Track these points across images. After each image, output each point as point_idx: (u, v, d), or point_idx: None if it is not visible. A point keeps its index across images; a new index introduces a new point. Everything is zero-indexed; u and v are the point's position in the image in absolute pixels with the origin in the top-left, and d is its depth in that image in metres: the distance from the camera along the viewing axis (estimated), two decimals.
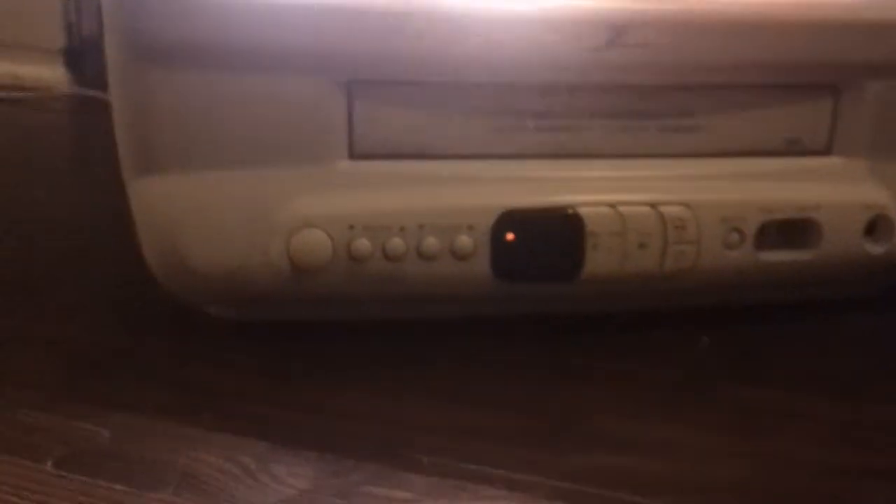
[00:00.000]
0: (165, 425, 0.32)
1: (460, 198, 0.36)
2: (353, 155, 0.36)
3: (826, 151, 0.39)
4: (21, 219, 0.50)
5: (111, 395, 0.34)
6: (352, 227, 0.35)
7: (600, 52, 0.34)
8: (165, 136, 0.34)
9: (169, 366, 0.37)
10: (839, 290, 0.42)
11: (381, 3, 0.33)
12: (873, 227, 0.39)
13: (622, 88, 0.37)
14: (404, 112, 0.36)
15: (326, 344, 0.38)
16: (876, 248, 0.39)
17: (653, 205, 0.37)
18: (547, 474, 0.31)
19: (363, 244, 0.35)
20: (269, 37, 0.33)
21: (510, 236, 0.36)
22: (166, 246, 0.35)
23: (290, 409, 0.34)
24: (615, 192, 0.37)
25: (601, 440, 0.33)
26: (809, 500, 0.31)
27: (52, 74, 0.75)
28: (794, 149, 0.39)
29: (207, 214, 0.35)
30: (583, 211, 0.36)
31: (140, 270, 0.37)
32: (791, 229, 0.38)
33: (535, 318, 0.40)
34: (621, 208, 0.36)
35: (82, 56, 0.75)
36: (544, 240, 0.36)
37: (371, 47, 0.34)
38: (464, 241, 0.36)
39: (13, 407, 0.33)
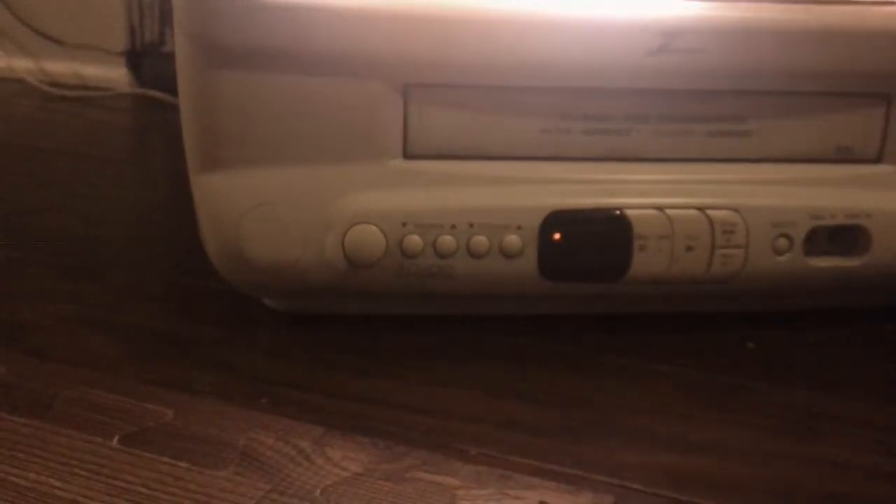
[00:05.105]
0: (225, 408, 0.34)
1: (510, 198, 0.37)
2: (408, 154, 0.37)
3: (877, 160, 0.39)
4: (85, 208, 0.52)
5: (174, 378, 0.36)
6: (404, 223, 0.36)
7: (652, 57, 0.35)
8: (230, 134, 0.36)
9: (227, 353, 0.38)
10: (887, 297, 0.41)
11: (437, 11, 0.34)
12: None
13: (673, 93, 0.37)
14: (457, 114, 0.37)
15: (378, 337, 0.39)
16: None
17: (701, 208, 0.37)
18: (591, 469, 0.32)
19: (415, 240, 0.36)
20: (331, 42, 0.34)
21: (557, 236, 0.37)
22: (227, 238, 0.37)
23: (343, 398, 0.35)
24: (663, 195, 0.37)
25: (645, 438, 0.34)
26: (855, 503, 0.31)
27: (114, 75, 0.78)
28: (844, 156, 0.39)
29: (267, 209, 0.36)
30: (630, 213, 0.37)
31: (199, 260, 0.38)
32: (841, 236, 0.38)
33: (583, 317, 0.40)
34: (669, 211, 0.37)
35: (143, 58, 0.78)
36: (591, 240, 0.37)
37: (427, 53, 0.35)
38: (512, 239, 0.36)
39: (82, 386, 0.35)
